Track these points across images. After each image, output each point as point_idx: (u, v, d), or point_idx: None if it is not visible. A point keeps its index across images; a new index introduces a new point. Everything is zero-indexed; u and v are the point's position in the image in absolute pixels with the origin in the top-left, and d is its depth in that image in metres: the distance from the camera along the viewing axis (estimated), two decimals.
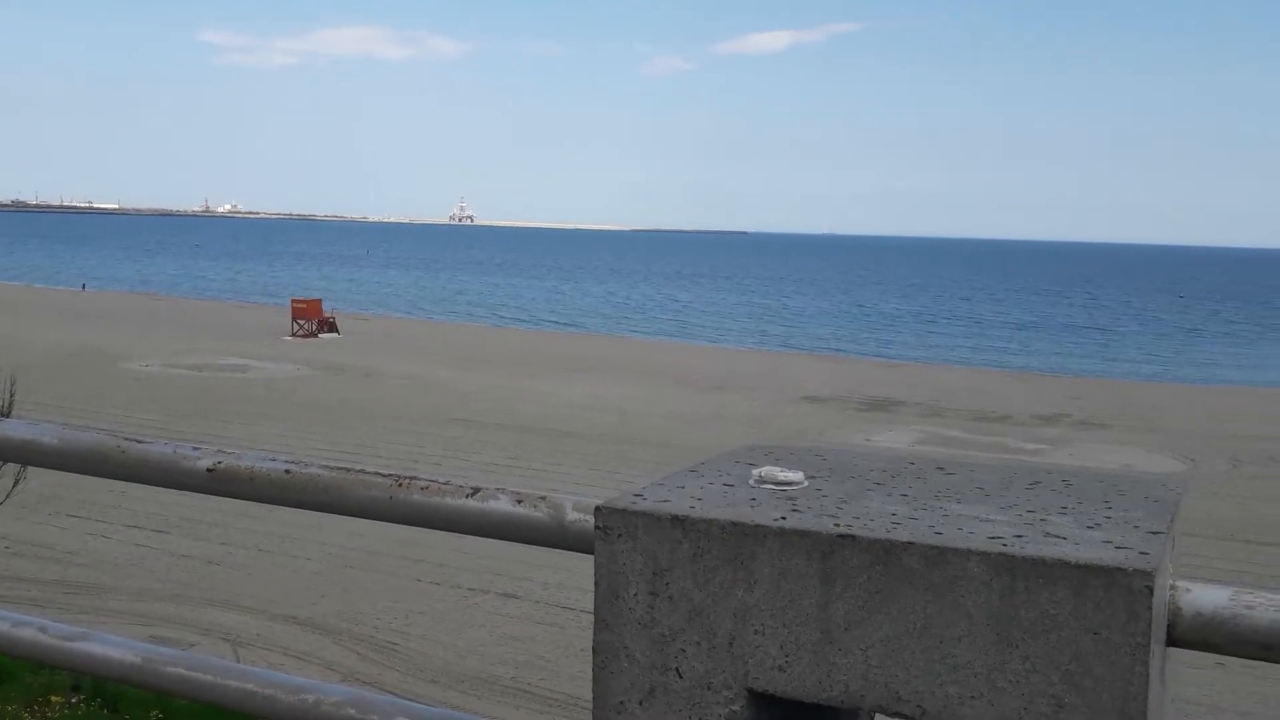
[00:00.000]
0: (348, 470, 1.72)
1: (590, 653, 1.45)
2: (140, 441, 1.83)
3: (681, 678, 1.38)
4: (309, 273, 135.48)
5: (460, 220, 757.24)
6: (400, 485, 1.66)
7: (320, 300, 65.68)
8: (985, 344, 68.43)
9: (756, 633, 1.34)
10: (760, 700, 1.36)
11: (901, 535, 1.28)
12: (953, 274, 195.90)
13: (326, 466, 1.73)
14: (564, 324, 78.50)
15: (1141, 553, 1.23)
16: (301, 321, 60.35)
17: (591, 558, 1.52)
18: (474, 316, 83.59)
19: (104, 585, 19.35)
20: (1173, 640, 1.32)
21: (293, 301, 64.41)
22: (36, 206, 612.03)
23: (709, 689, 1.37)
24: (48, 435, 1.87)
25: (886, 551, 1.27)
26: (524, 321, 79.99)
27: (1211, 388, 46.24)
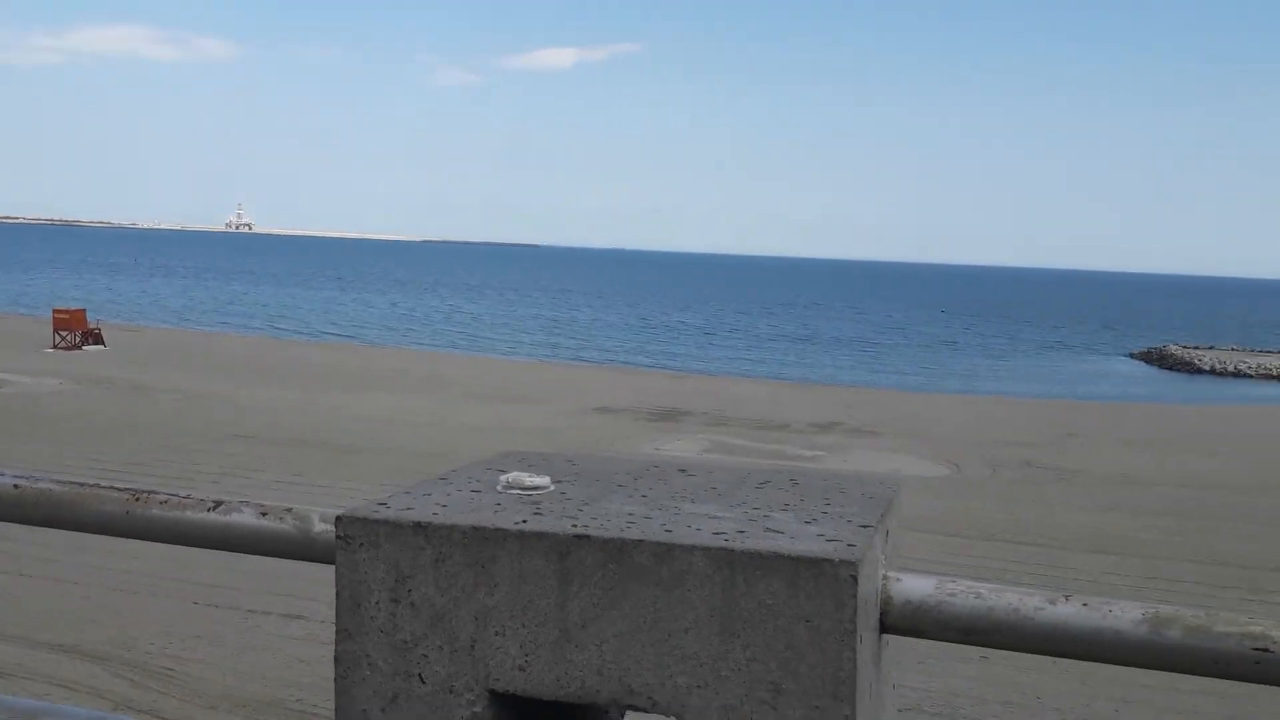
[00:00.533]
0: (82, 485, 1.66)
1: None
2: None
3: (424, 683, 1.40)
4: (71, 281, 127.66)
5: (238, 228, 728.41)
6: (137, 500, 1.62)
7: (84, 310, 61.93)
8: (764, 356, 70.82)
9: (497, 634, 1.37)
10: (502, 700, 1.39)
11: (634, 534, 1.34)
12: (728, 289, 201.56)
13: (59, 481, 1.67)
14: (350, 336, 76.65)
15: (849, 544, 1.33)
16: (64, 333, 56.79)
17: None
18: (252, 328, 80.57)
19: None
20: (886, 627, 1.42)
21: (54, 312, 60.54)
22: None
23: (451, 692, 1.39)
24: None
25: (619, 550, 1.33)
26: (306, 333, 77.68)
27: (972, 397, 49.19)
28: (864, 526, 1.40)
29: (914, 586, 1.42)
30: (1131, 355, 77.55)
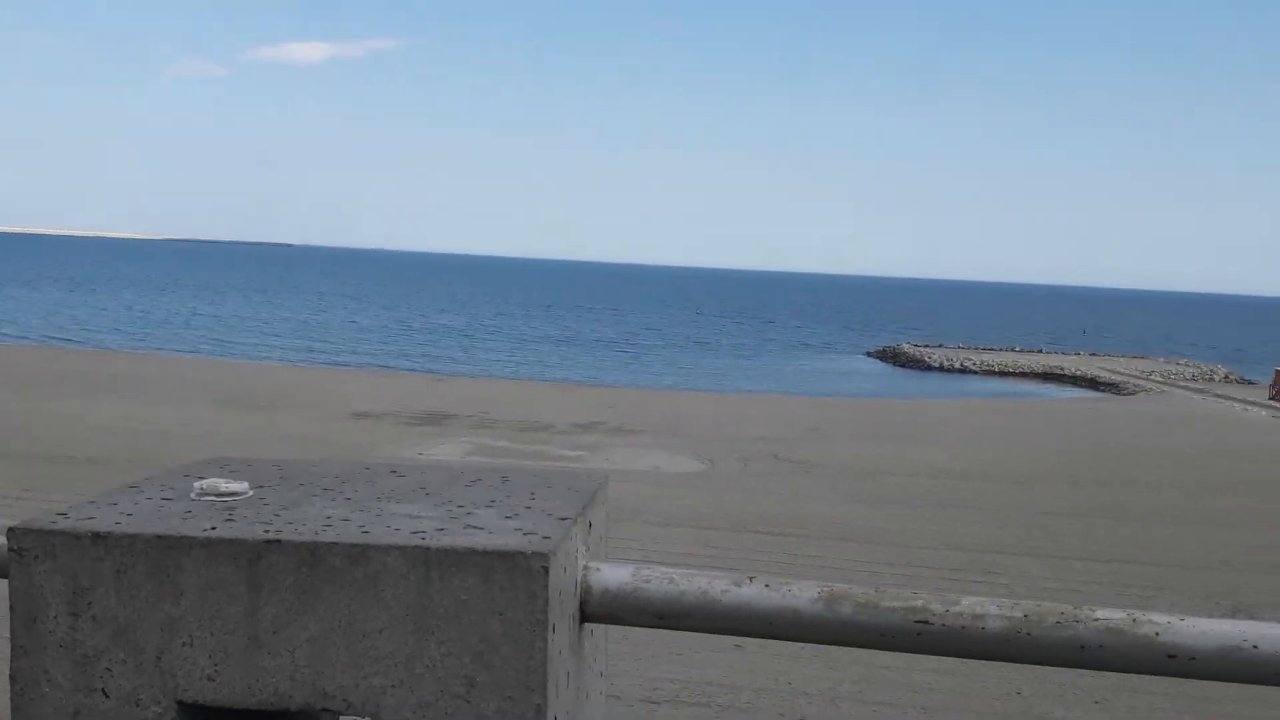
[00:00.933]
0: None
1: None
2: None
3: (108, 697, 1.35)
4: None
5: None
6: None
7: None
8: (526, 357, 70.96)
9: (185, 645, 1.34)
10: (191, 712, 1.36)
11: (328, 536, 1.34)
12: (486, 290, 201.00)
13: None
14: (82, 341, 71.89)
15: (544, 537, 1.36)
16: None
17: None
18: None
19: None
20: (586, 616, 1.47)
21: None
22: None
23: (137, 705, 1.35)
24: None
25: (312, 553, 1.32)
26: (32, 338, 72.38)
27: (724, 395, 50.85)
28: (562, 519, 1.44)
29: (611, 575, 1.47)
30: (869, 354, 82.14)
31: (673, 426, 34.84)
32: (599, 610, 1.48)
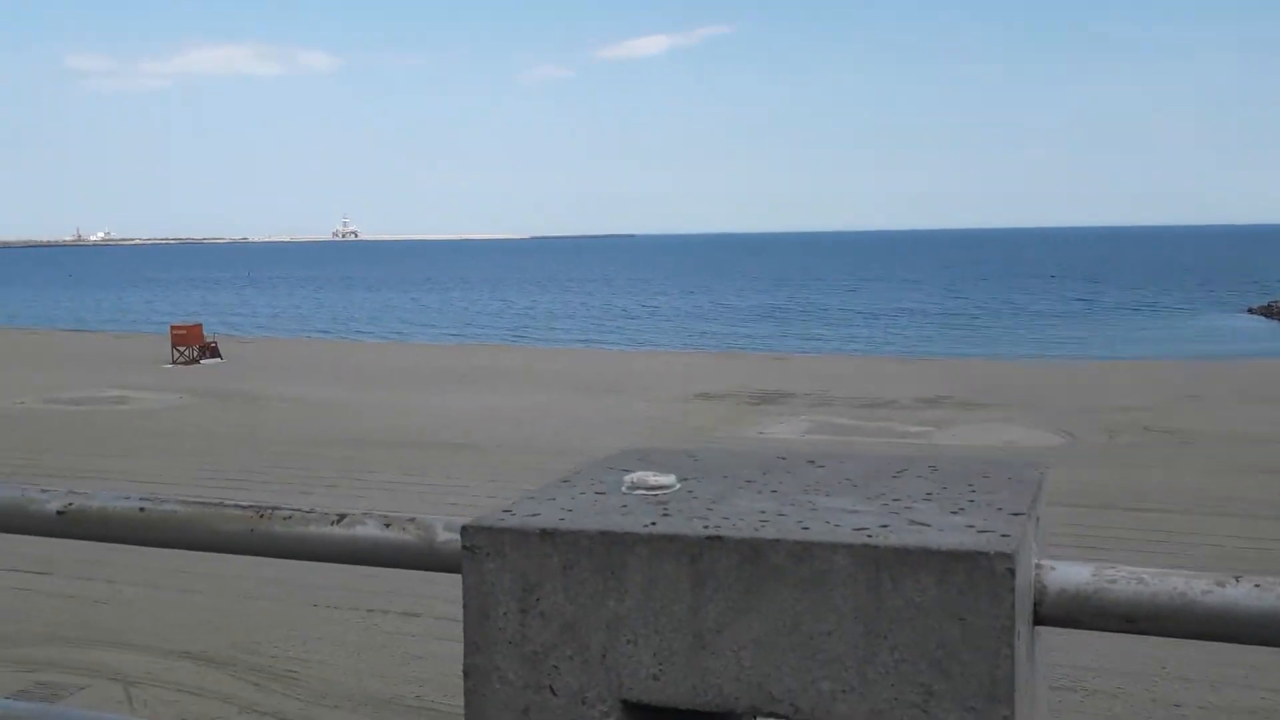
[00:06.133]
0: (205, 504, 1.66)
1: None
2: None
3: (555, 695, 1.36)
4: (189, 297, 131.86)
5: (344, 237, 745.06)
6: (261, 517, 1.61)
7: (201, 325, 63.90)
8: (861, 333, 69.96)
9: (629, 642, 1.32)
10: (635, 711, 1.34)
11: (769, 533, 1.28)
12: (829, 266, 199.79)
13: (184, 501, 1.67)
14: (454, 335, 77.81)
15: (1003, 535, 1.25)
16: (182, 348, 58.68)
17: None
18: (362, 333, 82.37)
19: None
20: (1039, 619, 1.34)
21: (172, 328, 62.60)
22: None
23: (583, 703, 1.35)
24: None
25: (754, 550, 1.27)
26: (413, 335, 79.09)
27: (1078, 363, 47.99)
28: (1015, 515, 1.32)
29: (1070, 575, 1.33)
30: (1251, 310, 74.70)
31: (1026, 398, 33.23)
32: (1054, 613, 1.34)
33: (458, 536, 1.51)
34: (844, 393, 40.10)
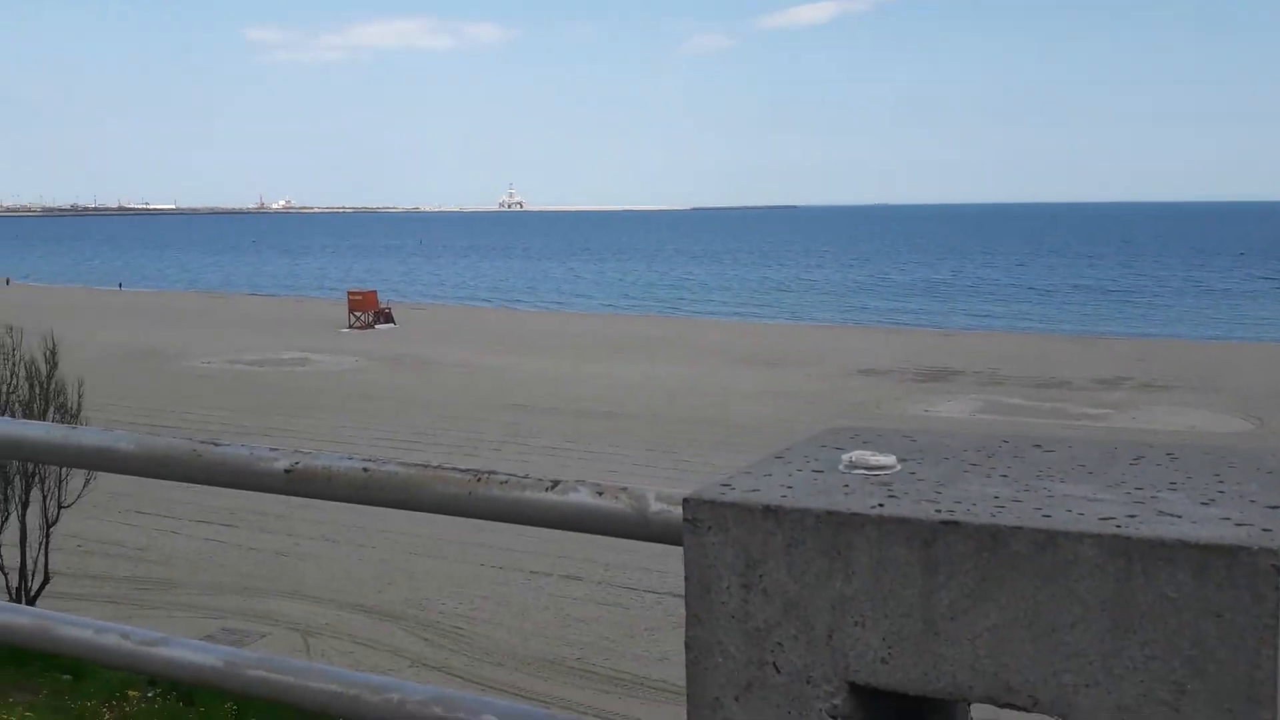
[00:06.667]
0: (425, 467, 1.69)
1: (683, 646, 1.41)
2: (216, 445, 1.82)
3: (779, 672, 1.34)
4: (362, 264, 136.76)
5: (510, 207, 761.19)
6: (479, 480, 1.63)
7: (375, 291, 66.27)
8: (1034, 310, 67.54)
9: (856, 624, 1.29)
10: (862, 693, 1.31)
11: (1008, 519, 1.23)
12: (997, 239, 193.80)
13: (405, 464, 1.71)
14: (614, 306, 78.57)
15: (1264, 529, 1.17)
16: (358, 313, 60.97)
17: (671, 548, 1.49)
18: (525, 302, 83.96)
19: (175, 580, 19.71)
20: None
21: (349, 294, 65.07)
22: (94, 210, 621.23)
23: (808, 683, 1.32)
24: (123, 442, 1.86)
25: (993, 537, 1.22)
26: (575, 305, 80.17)
27: (1271, 345, 45.35)
28: (1273, 508, 1.24)
29: None
30: None
31: (1212, 381, 31.61)
32: None
33: (668, 507, 1.50)
34: (1015, 372, 38.93)
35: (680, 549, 1.48)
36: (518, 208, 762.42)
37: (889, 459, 1.44)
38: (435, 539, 21.10)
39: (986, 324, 60.94)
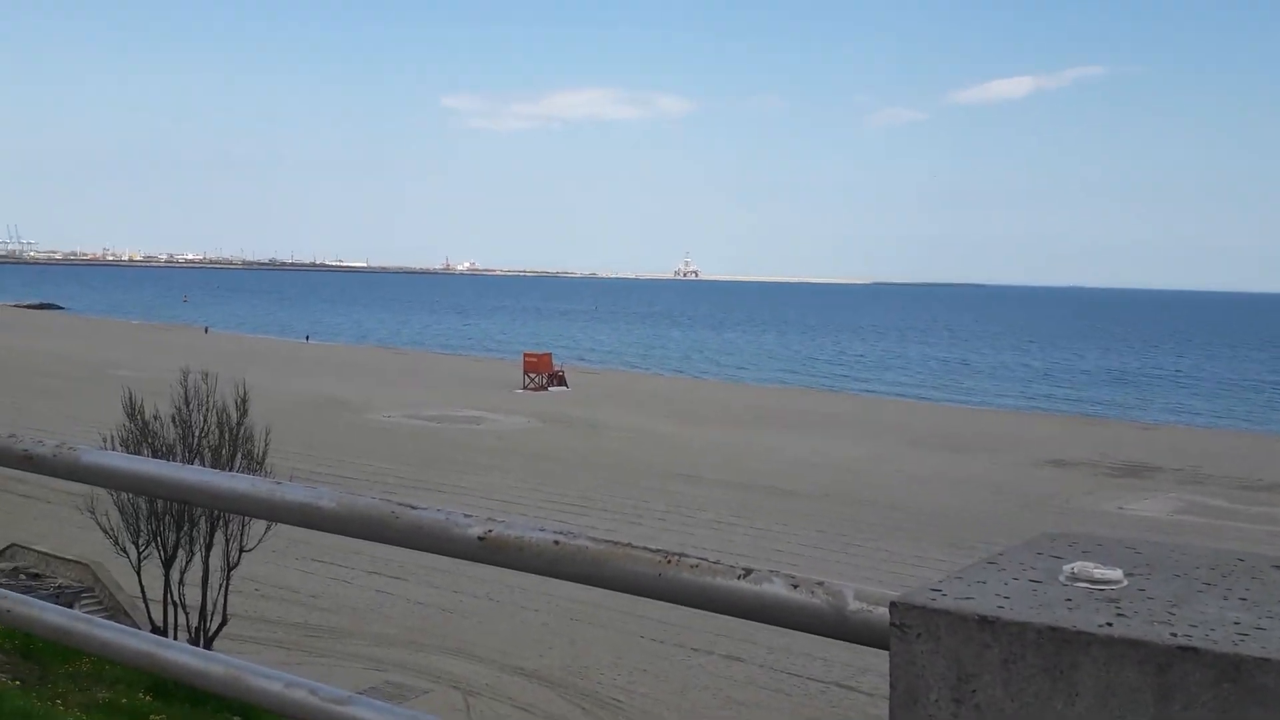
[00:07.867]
0: (615, 544, 1.67)
1: None
2: (413, 507, 1.84)
3: None
4: (540, 327, 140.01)
5: (685, 275, 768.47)
6: (669, 562, 1.60)
7: (550, 354, 67.64)
8: (1238, 407, 63.71)
9: None
10: None
11: (1252, 649, 1.12)
12: (1196, 327, 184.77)
13: (595, 539, 1.69)
14: (789, 379, 77.99)
15: None
16: (532, 375, 62.29)
17: (867, 649, 1.42)
18: (698, 371, 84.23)
19: (344, 629, 20.24)
20: None
21: (525, 355, 66.63)
22: (290, 265, 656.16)
23: None
24: (325, 499, 1.90)
25: (1236, 668, 1.11)
26: (747, 376, 79.94)
27: None
28: None
29: None
30: None
31: None
32: None
33: (868, 607, 1.43)
34: (1219, 470, 36.77)
35: (870, 649, 1.41)
36: (693, 276, 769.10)
37: (1115, 573, 1.34)
38: (595, 605, 21.11)
39: (1186, 420, 57.77)
